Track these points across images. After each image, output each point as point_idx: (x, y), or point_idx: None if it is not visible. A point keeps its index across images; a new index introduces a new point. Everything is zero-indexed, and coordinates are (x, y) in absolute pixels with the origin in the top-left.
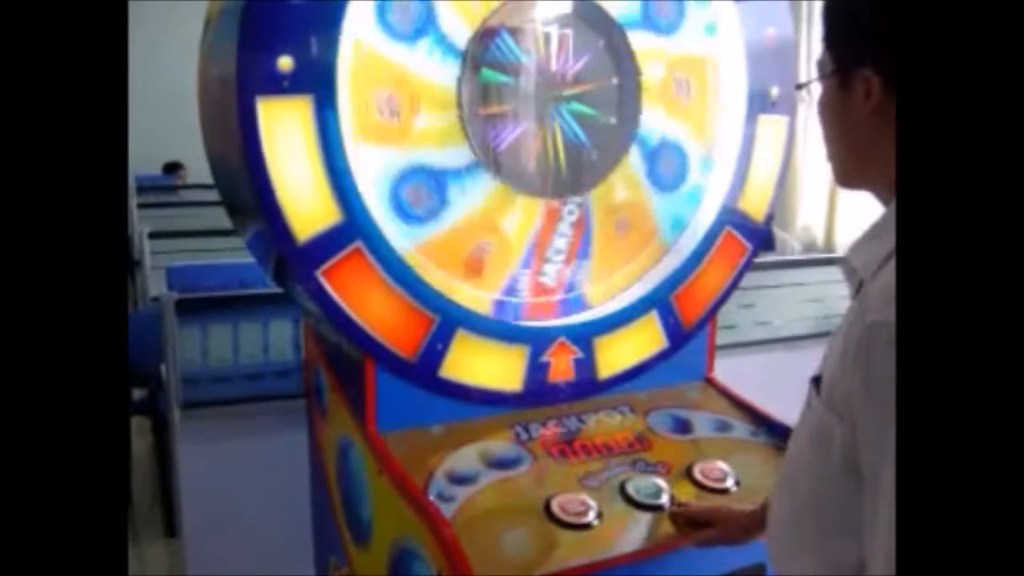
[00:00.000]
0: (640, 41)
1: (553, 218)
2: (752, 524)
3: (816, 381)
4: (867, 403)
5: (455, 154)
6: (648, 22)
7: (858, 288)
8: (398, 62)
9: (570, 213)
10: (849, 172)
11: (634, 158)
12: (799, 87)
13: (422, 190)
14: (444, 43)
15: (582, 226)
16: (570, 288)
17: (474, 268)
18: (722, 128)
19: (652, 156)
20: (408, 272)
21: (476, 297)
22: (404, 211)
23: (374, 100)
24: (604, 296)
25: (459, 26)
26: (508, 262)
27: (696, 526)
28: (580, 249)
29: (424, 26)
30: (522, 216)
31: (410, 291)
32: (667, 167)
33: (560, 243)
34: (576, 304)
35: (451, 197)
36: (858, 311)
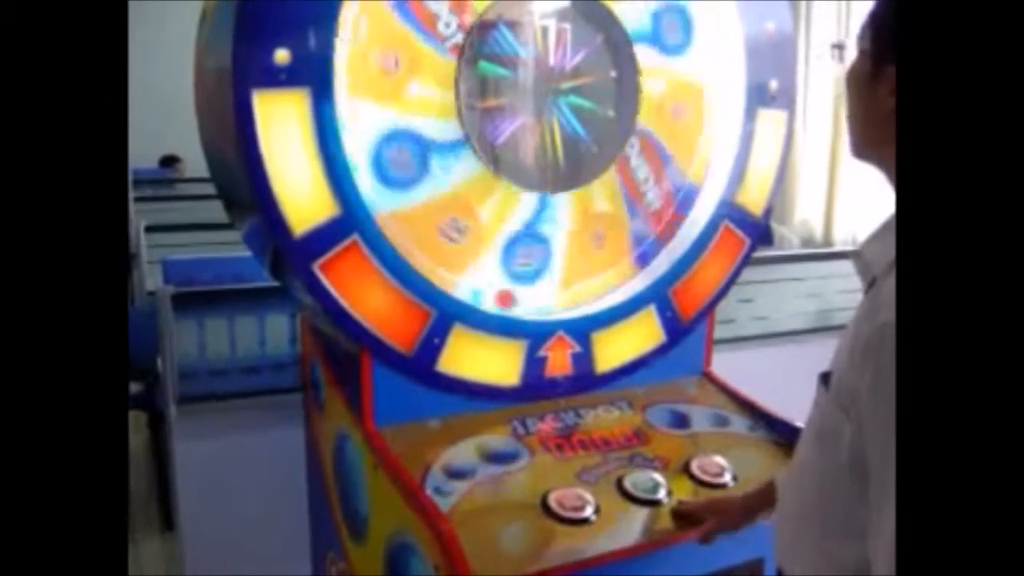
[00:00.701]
0: (645, 57)
1: (626, 164)
2: (751, 507)
3: (825, 377)
4: (875, 403)
5: (444, 127)
6: (656, 39)
7: (870, 284)
8: (403, 25)
9: (631, 147)
10: (864, 148)
11: (613, 174)
12: (835, 47)
13: (405, 154)
14: (450, 19)
15: (649, 144)
16: (678, 189)
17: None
18: (718, 134)
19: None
20: (405, 266)
21: (445, 279)
22: (383, 172)
23: (373, 55)
24: (703, 171)
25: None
26: (479, 248)
27: (696, 521)
28: (661, 159)
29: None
30: (500, 203)
31: (407, 285)
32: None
33: (642, 172)
34: (692, 193)
35: (432, 169)
36: (870, 309)
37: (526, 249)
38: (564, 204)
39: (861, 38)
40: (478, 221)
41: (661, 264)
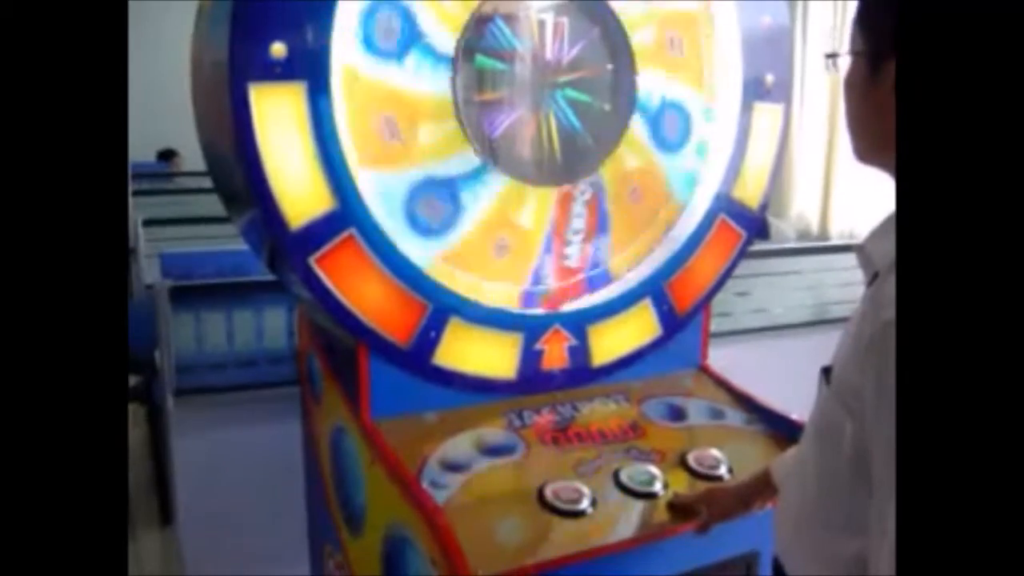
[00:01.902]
0: (630, 5)
1: (567, 202)
2: (745, 496)
3: (826, 372)
4: (878, 402)
5: (461, 160)
6: (654, 126)
7: (872, 278)
8: (390, 83)
9: (582, 193)
10: (867, 151)
11: (637, 124)
12: (829, 56)
13: (435, 202)
14: (431, 54)
15: (595, 203)
16: (594, 264)
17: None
18: (719, 85)
19: (655, 119)
20: (401, 259)
21: (506, 293)
22: (421, 226)
23: (373, 124)
24: (629, 265)
25: (443, 33)
26: (529, 253)
27: (692, 513)
28: (598, 224)
29: (409, 40)
30: (536, 206)
31: (403, 278)
32: (671, 128)
33: (577, 223)
34: (601, 279)
35: (464, 203)
36: (872, 306)
37: (435, 201)
38: (497, 187)
39: (853, 42)
40: (521, 230)
41: (658, 257)
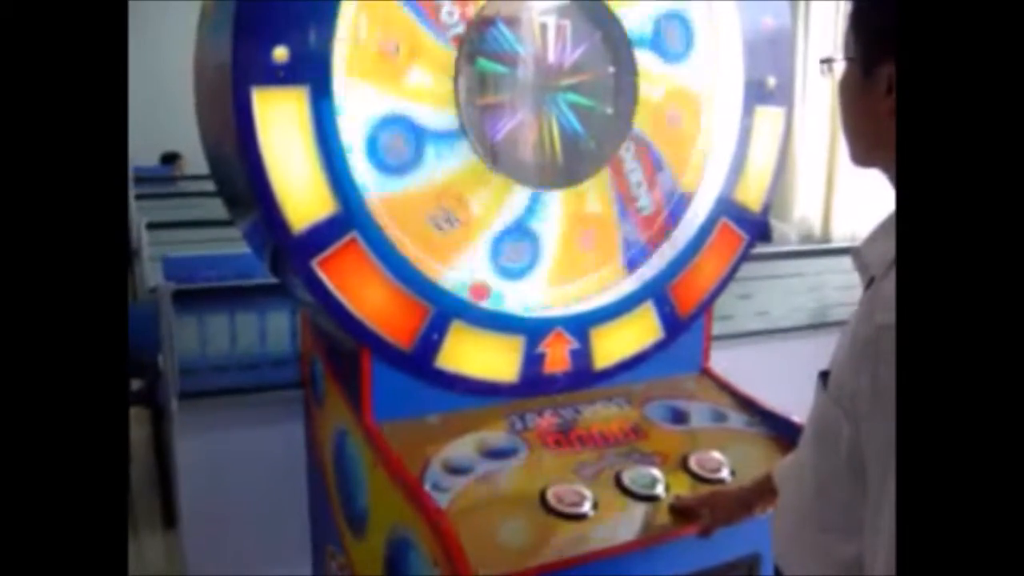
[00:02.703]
0: (645, 63)
1: (619, 167)
2: (747, 500)
3: (824, 376)
4: (874, 406)
5: (441, 117)
6: (656, 46)
7: (869, 283)
8: (405, 14)
9: (627, 150)
10: (863, 155)
11: (643, 55)
12: (823, 62)
13: (400, 140)
14: (452, 12)
15: (645, 150)
16: (669, 198)
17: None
18: (713, 143)
19: (655, 39)
20: (403, 262)
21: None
22: (378, 157)
23: (375, 39)
24: (697, 178)
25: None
26: (469, 239)
27: (693, 516)
28: (654, 165)
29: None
30: (493, 196)
31: (405, 281)
32: (672, 41)
33: (635, 177)
34: (682, 203)
35: (427, 157)
36: (868, 310)
37: (515, 245)
38: (556, 202)
39: (846, 47)
40: (469, 213)
41: (659, 261)
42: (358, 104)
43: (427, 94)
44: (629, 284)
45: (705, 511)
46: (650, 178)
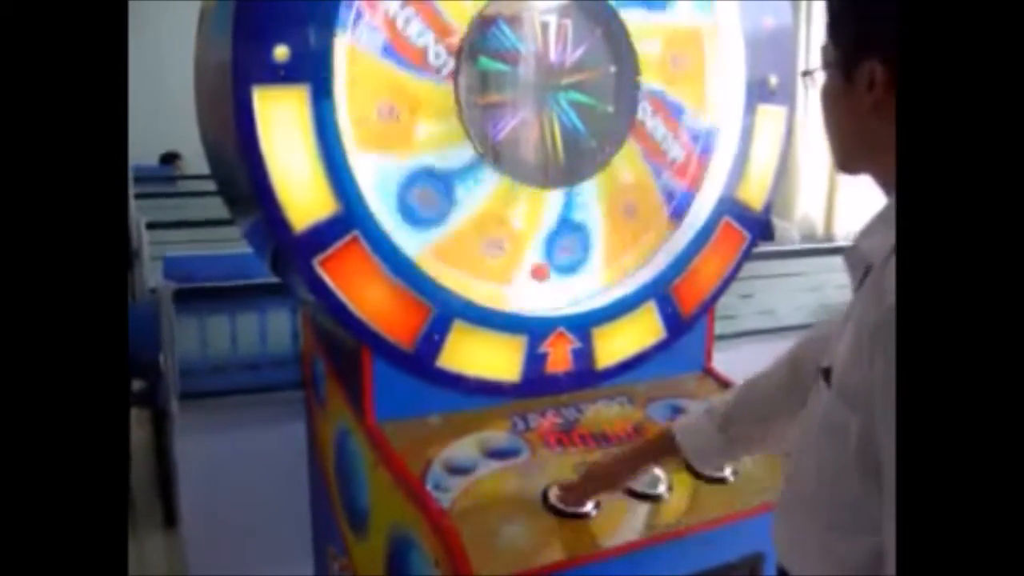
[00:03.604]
0: (634, 18)
1: (642, 130)
2: (634, 459)
3: (825, 372)
4: (888, 388)
5: (458, 154)
6: None
7: (863, 276)
8: (394, 75)
9: (644, 110)
10: (849, 158)
11: (632, 143)
12: (804, 74)
13: (429, 192)
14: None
15: (658, 102)
16: (697, 136)
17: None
18: (721, 110)
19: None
20: (405, 262)
21: (493, 293)
22: (413, 215)
23: (374, 107)
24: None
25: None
26: (520, 253)
27: (582, 496)
28: (672, 112)
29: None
30: (528, 207)
31: (407, 281)
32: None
33: (659, 132)
34: (711, 136)
35: (458, 196)
36: (872, 297)
37: (565, 241)
38: (591, 187)
39: (825, 54)
40: (513, 230)
41: (662, 260)
42: (377, 174)
43: (438, 140)
44: (631, 284)
45: (592, 485)
46: (673, 127)
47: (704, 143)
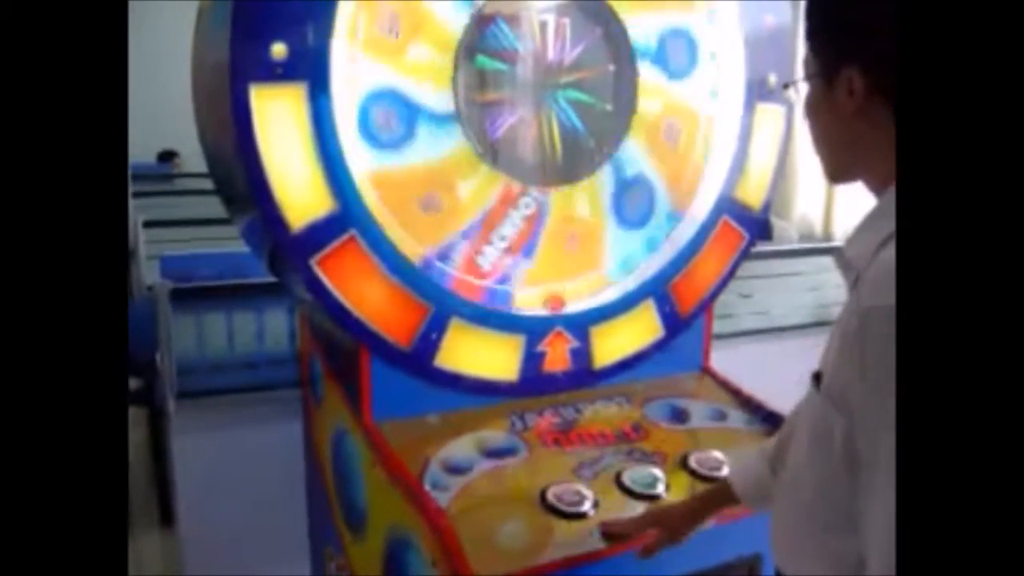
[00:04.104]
0: (647, 75)
1: (508, 202)
2: (697, 512)
3: (816, 378)
4: (864, 387)
5: (437, 97)
6: (660, 60)
7: (855, 281)
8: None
9: (526, 206)
10: (837, 168)
11: (606, 180)
12: (785, 87)
13: (392, 116)
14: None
15: (533, 224)
16: (502, 280)
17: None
18: (720, 121)
19: (622, 187)
20: (403, 261)
21: (413, 250)
22: (370, 131)
23: (378, 12)
24: (530, 302)
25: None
26: (451, 225)
27: (627, 537)
28: (526, 246)
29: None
30: (480, 185)
31: (405, 280)
32: (634, 204)
33: (508, 230)
34: (502, 298)
35: (419, 136)
36: (854, 300)
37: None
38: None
39: (807, 67)
40: (456, 198)
41: (660, 259)
42: (353, 74)
43: (425, 70)
44: (629, 283)
45: (644, 530)
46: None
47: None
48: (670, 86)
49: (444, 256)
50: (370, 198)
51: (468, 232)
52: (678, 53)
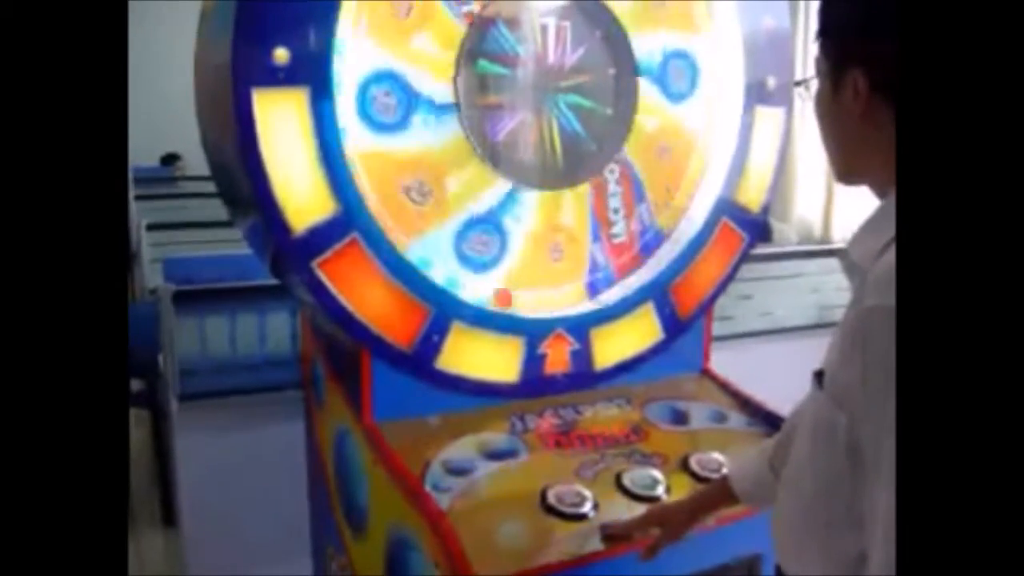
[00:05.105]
0: (647, 93)
1: (601, 188)
2: (698, 511)
3: (818, 376)
4: (866, 389)
5: (437, 87)
6: (661, 82)
7: (861, 282)
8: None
9: (611, 172)
10: (846, 169)
11: (645, 86)
12: (797, 84)
13: (391, 98)
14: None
15: (627, 175)
16: (643, 230)
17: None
18: (719, 120)
19: (661, 76)
20: (404, 263)
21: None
22: (366, 110)
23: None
24: (674, 219)
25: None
26: (435, 217)
27: (628, 538)
28: (635, 195)
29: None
30: (469, 180)
31: (406, 282)
32: (677, 80)
33: (614, 202)
34: (655, 240)
35: (414, 122)
36: (856, 300)
37: (482, 236)
38: (532, 203)
39: (817, 67)
40: (444, 191)
41: (659, 261)
42: (357, 52)
43: (428, 61)
44: (629, 285)
45: (645, 531)
46: (628, 206)
47: (647, 243)
48: (668, 107)
49: (595, 268)
50: (360, 180)
51: (459, 228)
52: (679, 76)
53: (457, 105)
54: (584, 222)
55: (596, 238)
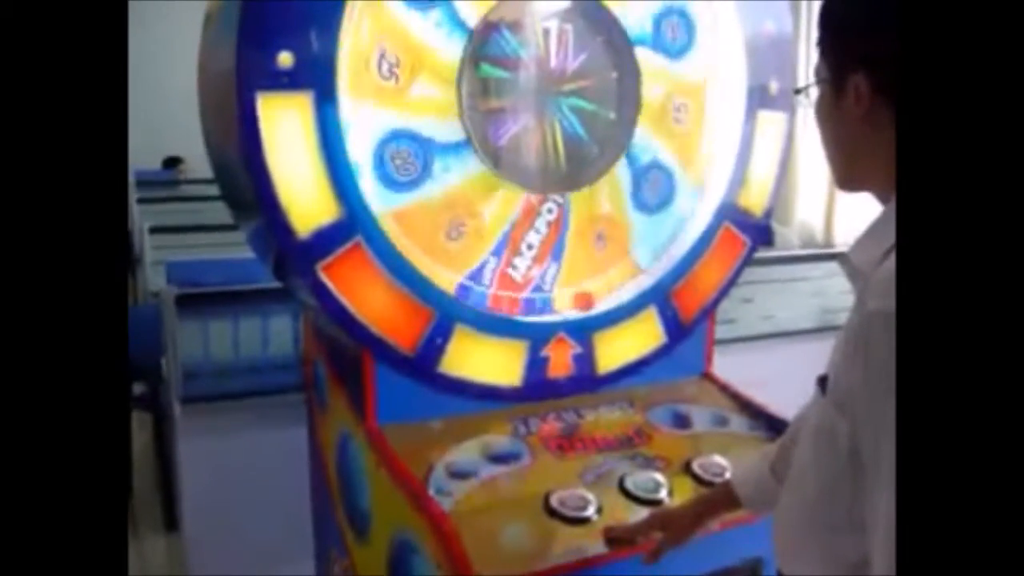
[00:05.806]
0: (646, 61)
1: (531, 212)
2: (702, 513)
3: (822, 381)
4: (868, 393)
5: (447, 128)
6: (657, 43)
7: (864, 287)
8: (406, 24)
9: (549, 211)
10: (847, 175)
11: (622, 173)
12: (797, 92)
13: (407, 155)
14: (455, 19)
15: (558, 227)
16: (536, 288)
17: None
18: (719, 131)
19: (639, 175)
20: (407, 267)
21: (445, 279)
22: (386, 173)
23: (375, 57)
24: (568, 304)
25: (471, 6)
26: (480, 247)
27: (631, 542)
28: (553, 250)
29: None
30: (502, 204)
31: (409, 286)
32: (653, 189)
33: (533, 239)
34: (541, 306)
35: (435, 170)
36: (859, 304)
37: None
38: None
39: (818, 73)
40: (480, 221)
41: (662, 265)
42: (363, 122)
43: (431, 106)
44: (632, 289)
45: (650, 535)
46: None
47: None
48: (671, 65)
49: (476, 277)
50: (391, 229)
51: (497, 250)
52: (675, 31)
53: (470, 140)
54: (499, 227)
55: (497, 253)
